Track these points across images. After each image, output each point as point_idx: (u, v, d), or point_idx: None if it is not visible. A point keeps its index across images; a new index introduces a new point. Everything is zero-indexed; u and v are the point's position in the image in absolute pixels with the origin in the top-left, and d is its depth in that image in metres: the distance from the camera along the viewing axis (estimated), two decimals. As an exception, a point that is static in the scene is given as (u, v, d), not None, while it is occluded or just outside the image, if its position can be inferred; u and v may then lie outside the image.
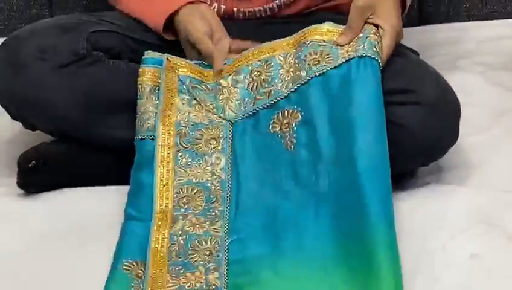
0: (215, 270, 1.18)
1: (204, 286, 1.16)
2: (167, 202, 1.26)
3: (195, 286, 1.16)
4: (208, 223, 1.24)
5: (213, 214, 1.26)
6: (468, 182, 1.39)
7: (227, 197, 1.27)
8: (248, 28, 1.44)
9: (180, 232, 1.23)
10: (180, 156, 1.30)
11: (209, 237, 1.22)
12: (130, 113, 1.37)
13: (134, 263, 1.19)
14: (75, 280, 1.21)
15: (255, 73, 1.34)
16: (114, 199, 1.37)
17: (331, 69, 1.28)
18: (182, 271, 1.17)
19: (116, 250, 1.22)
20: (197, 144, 1.31)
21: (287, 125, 1.29)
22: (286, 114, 1.29)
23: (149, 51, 1.37)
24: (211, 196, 1.27)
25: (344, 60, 1.27)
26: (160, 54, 1.36)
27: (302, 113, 1.28)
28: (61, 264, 1.24)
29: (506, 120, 1.57)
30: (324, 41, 1.30)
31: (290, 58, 1.32)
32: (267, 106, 1.31)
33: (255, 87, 1.33)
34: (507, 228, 1.26)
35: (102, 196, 1.39)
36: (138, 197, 1.29)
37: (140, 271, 1.18)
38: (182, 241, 1.21)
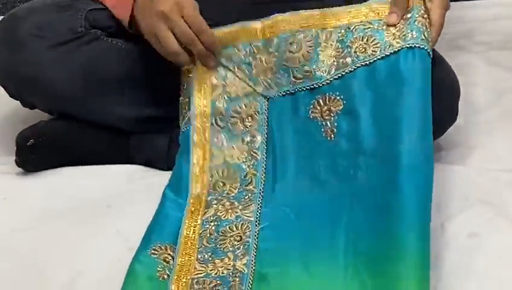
0: (244, 256, 1.16)
1: (231, 273, 1.13)
2: (202, 186, 1.25)
3: (222, 272, 1.14)
4: (240, 207, 1.23)
5: (246, 197, 1.24)
6: (467, 162, 1.39)
7: (262, 179, 1.25)
8: (248, 8, 1.42)
9: (212, 218, 1.21)
10: (217, 138, 1.29)
11: (241, 223, 1.20)
12: (128, 90, 1.38)
13: (163, 247, 1.18)
14: (75, 258, 1.21)
15: (294, 46, 1.29)
16: (113, 178, 1.38)
17: (378, 59, 1.22)
18: (210, 258, 1.16)
19: (147, 232, 1.20)
20: (233, 123, 1.30)
21: (327, 112, 1.25)
22: (327, 101, 1.25)
23: None
24: (246, 178, 1.26)
25: (392, 51, 1.21)
26: None
27: (345, 102, 1.24)
28: (61, 242, 1.24)
29: (506, 100, 1.57)
30: (369, 23, 1.25)
31: (332, 41, 1.27)
32: (307, 88, 1.28)
33: (293, 62, 1.29)
34: (507, 207, 1.26)
35: (101, 175, 1.39)
36: (178, 181, 1.29)
37: (168, 255, 1.17)
38: (213, 228, 1.20)
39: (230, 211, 1.22)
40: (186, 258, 1.15)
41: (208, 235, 1.19)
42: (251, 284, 1.12)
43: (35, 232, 1.27)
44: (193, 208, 1.23)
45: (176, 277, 1.13)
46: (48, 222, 1.29)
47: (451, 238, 1.21)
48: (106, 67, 1.38)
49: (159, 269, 1.15)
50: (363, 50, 1.24)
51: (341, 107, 1.24)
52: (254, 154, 1.28)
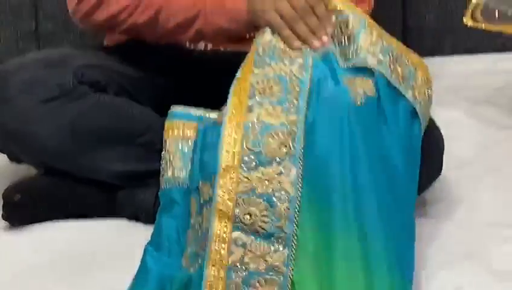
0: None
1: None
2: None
3: None
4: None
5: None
6: (452, 216, 1.39)
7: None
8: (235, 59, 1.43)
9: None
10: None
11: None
12: (116, 146, 1.38)
13: None
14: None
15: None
16: (100, 232, 1.38)
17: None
18: None
19: (130, 287, 1.20)
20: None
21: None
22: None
23: (175, 105, 1.33)
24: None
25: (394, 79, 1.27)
26: (185, 107, 1.30)
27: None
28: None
29: (490, 154, 1.58)
30: None
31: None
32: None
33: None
34: (491, 261, 1.27)
35: (88, 229, 1.39)
36: (158, 237, 1.27)
37: None
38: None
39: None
40: None
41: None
42: None
43: (21, 286, 1.27)
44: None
45: None
46: (34, 276, 1.29)
47: (437, 292, 1.21)
48: (94, 123, 1.38)
49: None
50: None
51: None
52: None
